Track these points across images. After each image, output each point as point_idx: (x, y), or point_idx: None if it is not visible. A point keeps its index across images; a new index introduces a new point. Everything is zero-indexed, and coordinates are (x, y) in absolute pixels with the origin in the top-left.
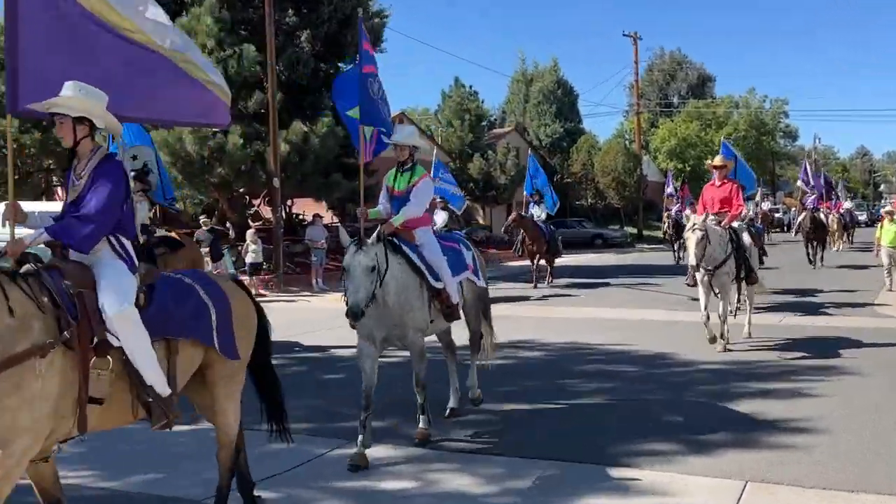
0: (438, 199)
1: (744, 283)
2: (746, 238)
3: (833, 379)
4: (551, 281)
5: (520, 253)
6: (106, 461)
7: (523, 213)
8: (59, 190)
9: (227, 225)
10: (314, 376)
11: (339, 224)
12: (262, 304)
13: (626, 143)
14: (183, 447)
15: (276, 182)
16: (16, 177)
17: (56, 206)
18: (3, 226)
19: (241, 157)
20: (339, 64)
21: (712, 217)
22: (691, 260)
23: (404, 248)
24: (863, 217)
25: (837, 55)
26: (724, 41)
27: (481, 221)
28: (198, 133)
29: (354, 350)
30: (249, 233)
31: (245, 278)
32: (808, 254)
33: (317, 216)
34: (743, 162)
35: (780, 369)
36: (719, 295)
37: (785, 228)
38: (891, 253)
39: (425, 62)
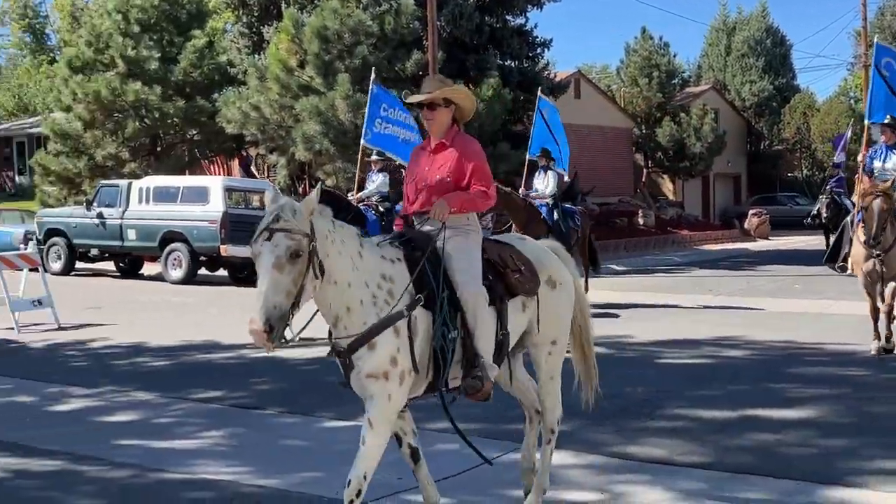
0: (375, 158)
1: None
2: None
3: None
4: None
5: None
6: (264, 457)
7: (504, 187)
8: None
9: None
10: None
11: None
12: None
13: (851, 102)
14: (345, 445)
15: None
16: (158, 148)
17: (195, 181)
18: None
19: None
20: (507, 17)
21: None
22: None
23: None
24: None
25: None
26: None
27: (670, 196)
28: (351, 99)
29: None
30: None
31: None
32: None
33: None
34: None
35: None
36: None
37: None
38: None
39: (605, 11)
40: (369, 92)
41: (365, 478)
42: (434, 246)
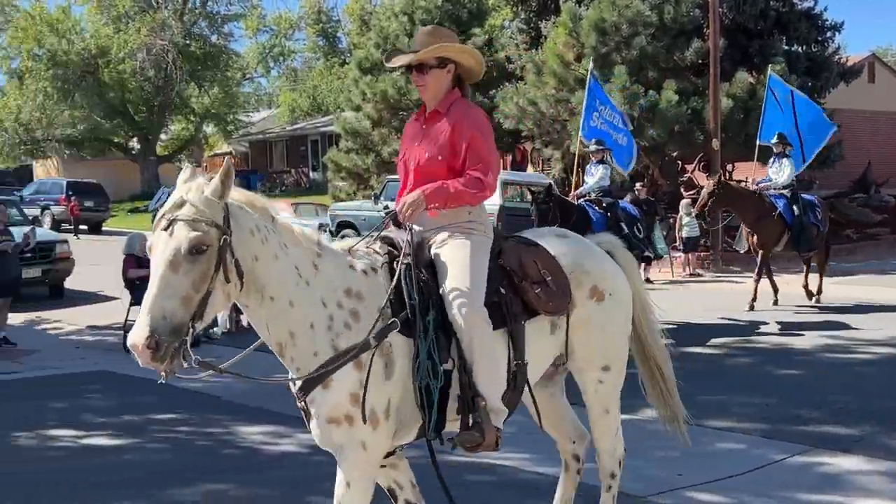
0: (594, 149)
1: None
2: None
3: None
4: (817, 299)
5: (745, 249)
6: (544, 446)
7: (727, 179)
8: None
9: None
10: (766, 370)
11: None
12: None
13: None
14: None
15: (716, 144)
16: None
17: None
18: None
19: (676, 115)
20: (794, 1)
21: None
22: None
23: None
24: None
25: None
26: None
27: None
28: (627, 91)
29: (811, 343)
30: (684, 203)
31: (678, 255)
32: None
33: None
34: None
35: None
36: None
37: None
38: None
39: None
40: (587, 84)
41: None
42: (420, 251)
